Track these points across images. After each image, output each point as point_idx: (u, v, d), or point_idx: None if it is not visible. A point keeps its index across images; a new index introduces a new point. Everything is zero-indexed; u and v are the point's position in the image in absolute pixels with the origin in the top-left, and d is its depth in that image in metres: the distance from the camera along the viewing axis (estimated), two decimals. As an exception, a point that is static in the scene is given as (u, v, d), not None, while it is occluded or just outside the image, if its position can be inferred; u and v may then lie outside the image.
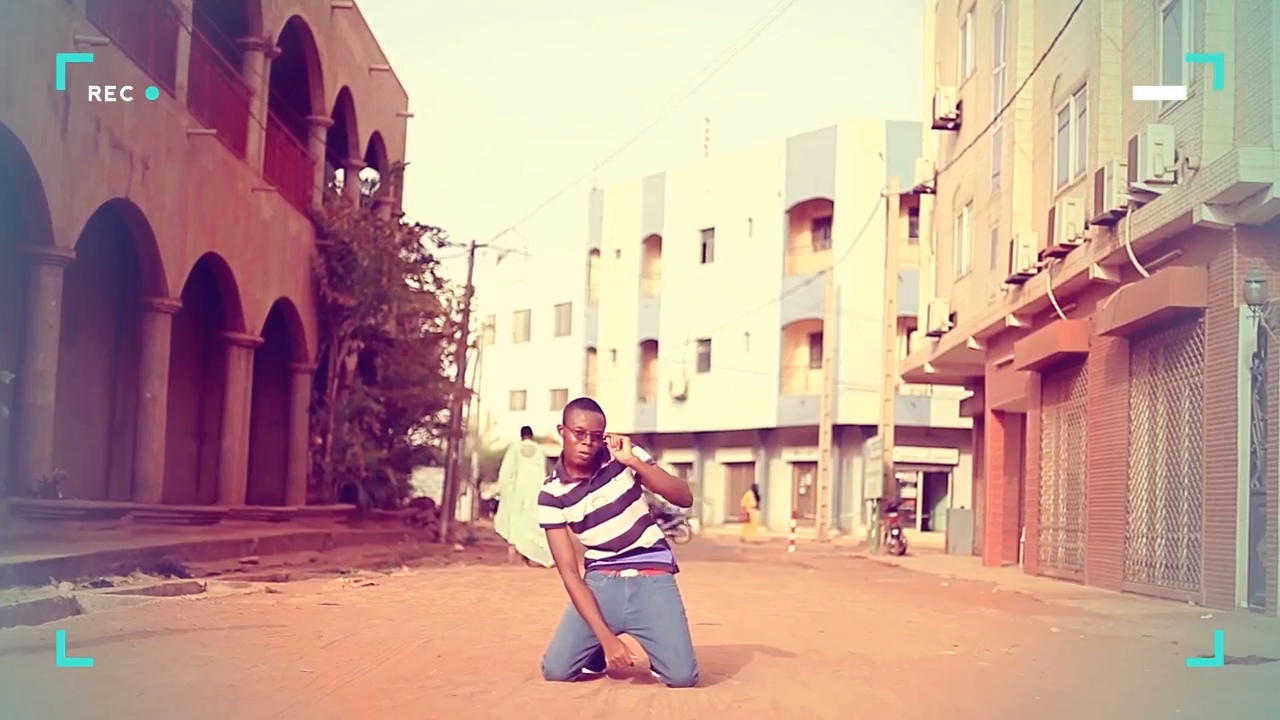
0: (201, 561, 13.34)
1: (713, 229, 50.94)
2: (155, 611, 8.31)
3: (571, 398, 51.99)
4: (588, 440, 5.75)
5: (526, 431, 18.54)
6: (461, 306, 31.23)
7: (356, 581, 12.18)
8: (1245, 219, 12.16)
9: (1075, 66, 16.90)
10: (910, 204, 33.94)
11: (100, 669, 5.65)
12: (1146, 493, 14.57)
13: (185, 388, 20.45)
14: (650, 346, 54.05)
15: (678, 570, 6.00)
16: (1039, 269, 17.63)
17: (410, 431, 29.37)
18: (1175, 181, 13.05)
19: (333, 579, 12.48)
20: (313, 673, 5.84)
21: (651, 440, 51.56)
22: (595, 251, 56.95)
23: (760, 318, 47.31)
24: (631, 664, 5.79)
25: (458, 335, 31.26)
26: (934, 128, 25.06)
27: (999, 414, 22.21)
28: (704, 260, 51.57)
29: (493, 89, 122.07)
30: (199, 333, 21.05)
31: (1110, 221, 14.54)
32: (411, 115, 31.25)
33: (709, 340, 50.59)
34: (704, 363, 50.94)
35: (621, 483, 5.85)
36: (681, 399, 51.45)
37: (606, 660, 5.79)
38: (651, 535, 5.94)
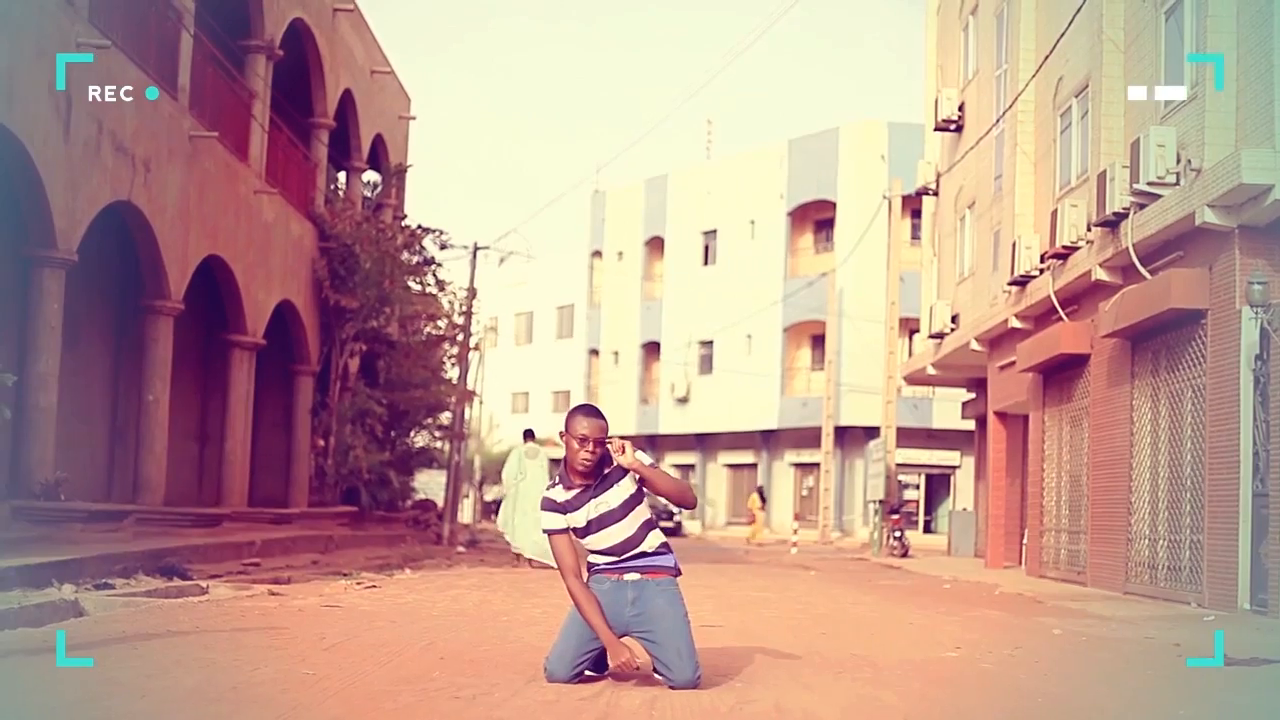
0: (204, 564, 13.33)
1: (715, 231, 50.95)
2: (157, 614, 8.31)
3: (573, 400, 52.18)
4: (590, 447, 5.75)
5: (529, 434, 18.64)
6: (464, 309, 31.25)
7: (359, 584, 12.18)
8: (1247, 221, 12.16)
9: (1077, 68, 16.90)
10: (912, 206, 33.92)
11: (102, 671, 5.65)
12: (1149, 494, 14.56)
13: (187, 390, 20.45)
14: (652, 348, 54.06)
15: (680, 573, 6.01)
16: (1041, 271, 17.63)
17: (412, 434, 29.38)
18: (1177, 183, 13.05)
19: (335, 581, 12.47)
20: (315, 675, 5.84)
21: (653, 442, 51.57)
22: (597, 253, 56.96)
23: (762, 320, 47.30)
24: (637, 668, 5.79)
25: (460, 337, 31.28)
26: (936, 129, 25.06)
27: (1001, 416, 22.20)
28: (706, 262, 51.58)
29: (494, 91, 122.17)
30: (201, 335, 21.06)
31: (1112, 223, 14.54)
32: (414, 117, 31.27)
33: (711, 342, 50.58)
34: (706, 365, 50.94)
35: (624, 488, 5.85)
36: (683, 401, 51.44)
37: (611, 664, 5.80)
38: (654, 539, 5.95)
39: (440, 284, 29.27)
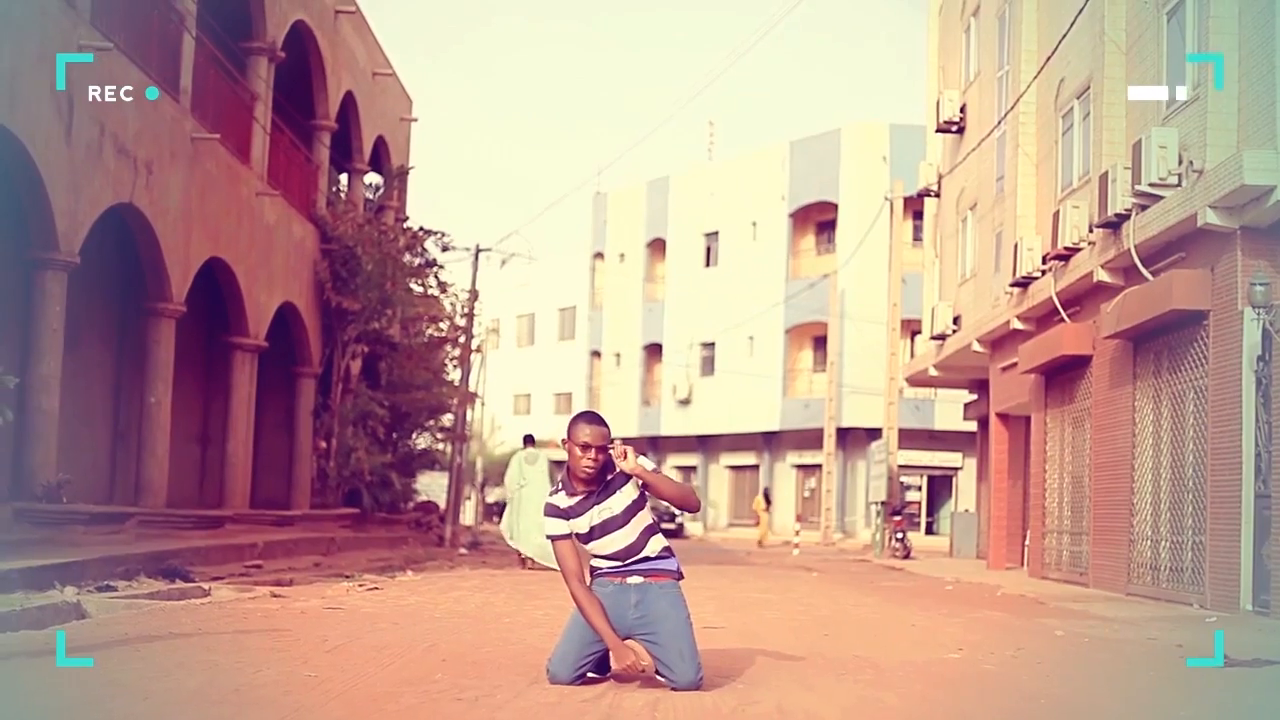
0: (206, 566, 13.33)
1: (716, 233, 50.95)
2: (159, 616, 8.31)
3: (575, 401, 51.96)
4: (593, 454, 5.76)
5: (529, 439, 18.72)
6: (465, 310, 31.25)
7: (361, 586, 12.18)
8: (1249, 222, 12.15)
9: (1079, 69, 16.90)
10: (914, 207, 33.93)
11: (104, 673, 5.66)
12: (1151, 496, 14.55)
13: (189, 392, 20.45)
14: (654, 350, 54.06)
15: (682, 577, 6.03)
16: (1043, 272, 17.63)
17: (414, 435, 29.38)
18: (1179, 184, 13.05)
19: (337, 583, 12.48)
20: (317, 677, 5.84)
21: (655, 444, 51.57)
22: (599, 255, 56.98)
23: (764, 321, 47.30)
24: (642, 670, 5.80)
25: (462, 339, 31.28)
26: (938, 131, 25.06)
27: (1003, 417, 22.20)
28: (708, 264, 51.58)
29: (496, 93, 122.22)
30: (203, 337, 21.06)
31: (1114, 224, 14.53)
32: (415, 119, 31.27)
33: (713, 344, 50.59)
34: (708, 366, 50.94)
35: (627, 494, 5.87)
36: (685, 403, 51.45)
37: (616, 667, 5.81)
38: (657, 544, 5.97)
39: (442, 286, 29.29)
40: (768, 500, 39.12)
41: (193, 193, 17.77)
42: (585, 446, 5.75)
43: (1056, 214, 16.62)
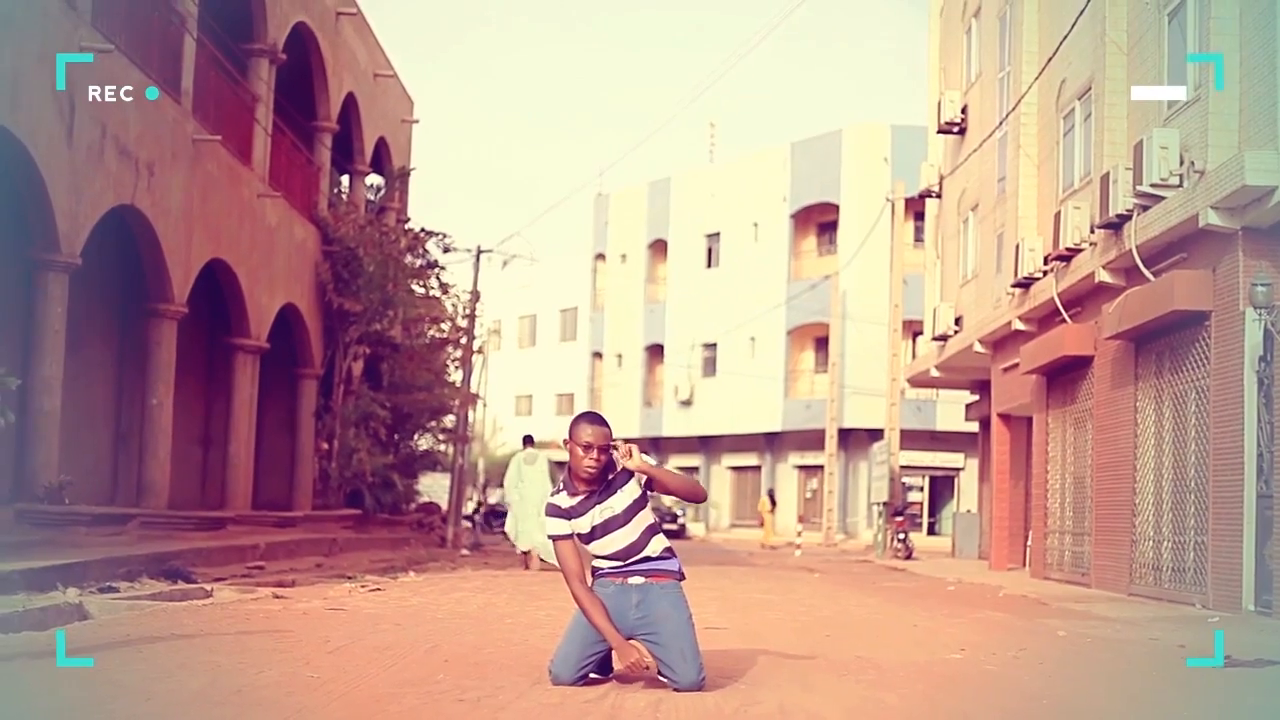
0: (208, 567, 13.34)
1: (718, 234, 50.95)
2: (161, 617, 8.31)
3: (577, 402, 51.95)
4: (594, 454, 5.77)
5: (528, 440, 18.74)
6: (467, 312, 31.24)
7: (363, 586, 12.18)
8: (1251, 222, 12.15)
9: (1080, 70, 16.90)
10: (915, 208, 33.93)
11: (107, 674, 5.66)
12: (1153, 496, 14.55)
13: (191, 393, 20.46)
14: (656, 351, 54.06)
15: (684, 577, 6.02)
16: (1044, 273, 17.63)
17: (416, 437, 29.38)
18: (1181, 185, 13.05)
19: (339, 584, 12.48)
20: (319, 678, 5.85)
21: (657, 445, 51.58)
22: (600, 256, 56.98)
23: (766, 322, 47.30)
24: (646, 668, 5.80)
25: (463, 340, 31.27)
26: (939, 132, 25.06)
27: (1005, 418, 22.19)
28: (709, 265, 51.58)
29: (497, 94, 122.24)
30: (205, 338, 21.07)
31: (1116, 225, 14.53)
32: (417, 121, 31.30)
33: (714, 345, 50.57)
34: (709, 367, 50.93)
35: (629, 493, 5.87)
36: (687, 404, 51.44)
37: (620, 665, 5.80)
38: (658, 544, 5.96)
39: (444, 287, 29.30)
40: (773, 502, 39.10)
41: (194, 194, 17.78)
42: (587, 446, 5.76)
43: (1058, 215, 16.62)
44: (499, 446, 56.14)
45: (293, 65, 22.10)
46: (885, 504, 29.36)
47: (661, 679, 5.79)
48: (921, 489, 43.69)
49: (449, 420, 30.87)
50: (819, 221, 47.81)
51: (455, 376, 31.22)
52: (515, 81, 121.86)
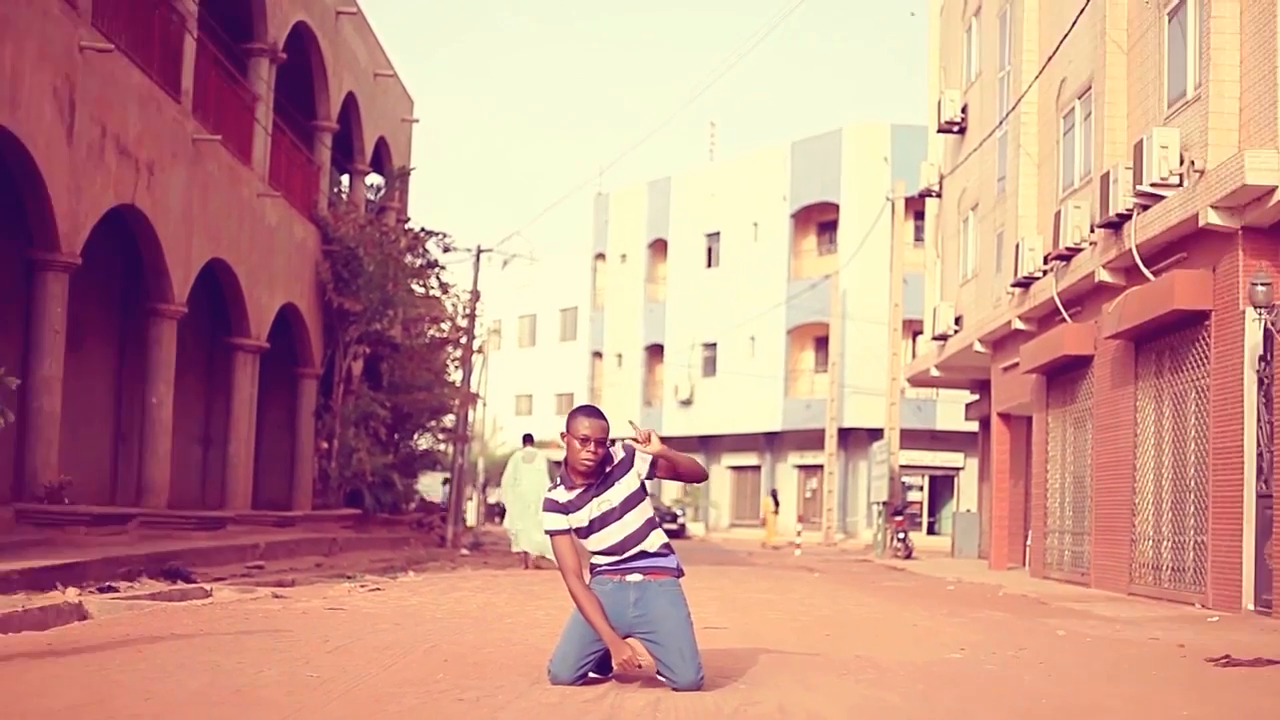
0: (207, 566, 13.35)
1: (718, 233, 50.96)
2: (161, 617, 8.31)
3: (577, 402, 52.03)
4: (592, 447, 5.76)
5: (527, 439, 18.74)
6: (467, 311, 31.26)
7: (362, 586, 12.18)
8: (1251, 222, 12.15)
9: (1080, 70, 16.90)
10: (915, 207, 33.94)
11: (106, 674, 5.66)
12: (1153, 495, 14.55)
13: (191, 393, 20.47)
14: (656, 351, 54.08)
15: (683, 574, 6.01)
16: (1044, 272, 17.63)
17: (416, 436, 29.40)
18: (1181, 184, 13.04)
19: (339, 584, 12.48)
20: (319, 678, 5.84)
21: (657, 444, 51.52)
22: (600, 256, 56.99)
23: (766, 322, 47.31)
24: (639, 666, 5.79)
25: (463, 340, 31.29)
26: (939, 131, 25.06)
27: (1005, 417, 22.20)
28: (709, 264, 51.60)
29: (497, 94, 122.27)
30: (205, 338, 21.08)
31: (1116, 225, 14.53)
32: (417, 120, 31.32)
33: (714, 344, 50.59)
34: (709, 367, 50.95)
35: (626, 485, 5.86)
36: (687, 403, 51.45)
37: (614, 663, 5.79)
38: (656, 539, 5.94)
39: (444, 287, 29.32)
40: (776, 502, 39.08)
41: (194, 194, 17.78)
42: (585, 439, 5.75)
43: (1058, 214, 16.62)
44: (499, 446, 56.13)
45: (293, 65, 22.10)
46: (885, 503, 29.36)
47: (660, 678, 5.79)
48: (921, 488, 43.71)
49: (449, 420, 30.88)
50: (819, 221, 47.82)
51: (455, 376, 31.25)
52: (515, 81, 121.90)
